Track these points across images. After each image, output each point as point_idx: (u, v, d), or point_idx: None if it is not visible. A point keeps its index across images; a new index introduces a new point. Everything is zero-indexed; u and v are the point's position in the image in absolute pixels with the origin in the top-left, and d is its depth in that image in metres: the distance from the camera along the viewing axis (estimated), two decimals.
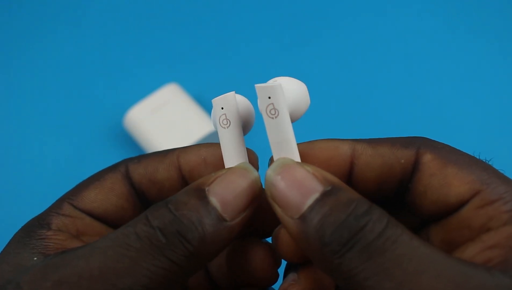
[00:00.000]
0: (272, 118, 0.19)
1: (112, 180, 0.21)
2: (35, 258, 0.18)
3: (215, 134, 0.45)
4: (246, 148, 0.21)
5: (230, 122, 0.21)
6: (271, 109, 0.19)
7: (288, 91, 0.20)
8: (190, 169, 0.22)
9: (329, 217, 0.16)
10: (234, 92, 0.21)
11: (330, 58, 0.52)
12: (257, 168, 0.21)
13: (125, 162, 0.22)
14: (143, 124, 0.45)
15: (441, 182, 0.18)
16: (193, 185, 0.19)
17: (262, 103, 0.19)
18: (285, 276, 0.22)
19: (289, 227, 0.18)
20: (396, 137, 0.20)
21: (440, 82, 0.50)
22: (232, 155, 0.21)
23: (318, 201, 0.17)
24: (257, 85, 0.19)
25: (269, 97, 0.19)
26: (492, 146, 0.45)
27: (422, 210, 0.19)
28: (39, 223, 0.20)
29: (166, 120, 0.45)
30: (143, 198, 0.22)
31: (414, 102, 0.49)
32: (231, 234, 0.18)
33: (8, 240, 0.19)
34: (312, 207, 0.17)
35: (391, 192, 0.20)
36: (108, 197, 0.21)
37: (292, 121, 0.20)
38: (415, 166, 0.19)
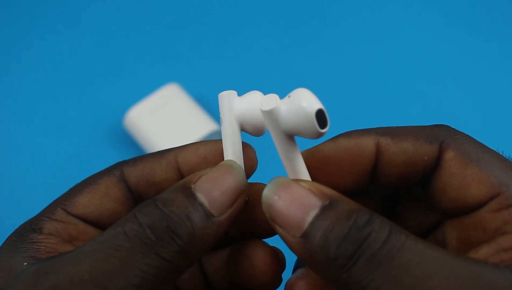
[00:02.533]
0: (272, 136, 0.19)
1: (106, 184, 0.21)
2: (25, 263, 0.18)
3: (215, 134, 0.45)
4: (244, 142, 0.21)
5: (222, 120, 0.21)
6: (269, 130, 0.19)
7: (287, 115, 0.18)
8: (189, 169, 0.21)
9: (331, 232, 0.16)
10: (230, 91, 0.21)
11: (331, 58, 0.52)
12: (255, 161, 0.21)
13: (120, 165, 0.22)
14: (143, 124, 0.45)
15: (460, 183, 0.18)
16: (179, 183, 0.19)
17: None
18: (294, 271, 0.22)
19: (293, 247, 0.18)
20: (420, 127, 0.20)
21: (441, 82, 0.50)
22: (226, 152, 0.21)
23: (318, 217, 0.17)
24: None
25: (264, 119, 0.19)
26: (494, 146, 0.45)
27: (440, 205, 0.20)
28: (31, 227, 0.19)
29: (166, 120, 0.45)
30: (140, 201, 0.21)
31: (415, 102, 0.49)
32: (220, 229, 0.18)
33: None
34: (313, 224, 0.17)
35: (413, 185, 0.20)
36: (102, 201, 0.21)
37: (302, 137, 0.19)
38: (437, 162, 0.19)
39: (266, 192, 0.18)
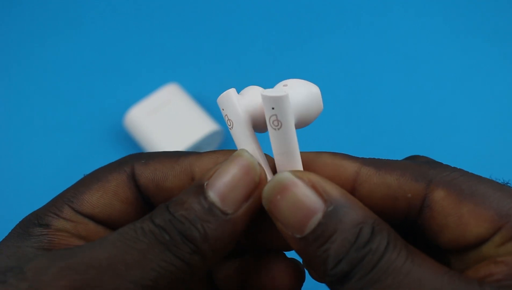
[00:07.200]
0: (275, 129, 0.18)
1: (116, 182, 0.20)
2: (40, 253, 0.17)
3: (215, 134, 0.45)
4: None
5: (232, 122, 0.19)
6: (274, 120, 0.18)
7: (298, 98, 0.19)
8: None
9: (333, 244, 0.16)
10: (230, 90, 0.19)
11: (331, 58, 0.52)
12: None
13: (131, 160, 0.21)
14: (143, 124, 0.45)
15: (457, 222, 0.17)
16: (195, 182, 0.18)
17: (266, 112, 0.18)
18: None
19: (291, 242, 0.17)
20: (408, 163, 0.19)
21: (441, 83, 0.50)
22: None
23: (320, 225, 0.16)
24: (262, 94, 0.18)
25: (273, 108, 0.18)
26: (494, 147, 0.45)
27: (439, 244, 0.19)
28: (38, 222, 0.19)
29: (166, 120, 0.45)
30: (148, 202, 0.21)
31: (415, 103, 0.49)
32: (236, 227, 0.17)
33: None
34: (314, 231, 0.16)
35: (395, 222, 0.19)
36: (111, 202, 0.20)
37: (302, 127, 0.19)
38: (424, 203, 0.18)
39: (268, 188, 0.18)
